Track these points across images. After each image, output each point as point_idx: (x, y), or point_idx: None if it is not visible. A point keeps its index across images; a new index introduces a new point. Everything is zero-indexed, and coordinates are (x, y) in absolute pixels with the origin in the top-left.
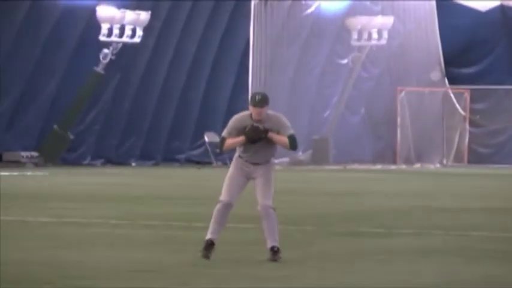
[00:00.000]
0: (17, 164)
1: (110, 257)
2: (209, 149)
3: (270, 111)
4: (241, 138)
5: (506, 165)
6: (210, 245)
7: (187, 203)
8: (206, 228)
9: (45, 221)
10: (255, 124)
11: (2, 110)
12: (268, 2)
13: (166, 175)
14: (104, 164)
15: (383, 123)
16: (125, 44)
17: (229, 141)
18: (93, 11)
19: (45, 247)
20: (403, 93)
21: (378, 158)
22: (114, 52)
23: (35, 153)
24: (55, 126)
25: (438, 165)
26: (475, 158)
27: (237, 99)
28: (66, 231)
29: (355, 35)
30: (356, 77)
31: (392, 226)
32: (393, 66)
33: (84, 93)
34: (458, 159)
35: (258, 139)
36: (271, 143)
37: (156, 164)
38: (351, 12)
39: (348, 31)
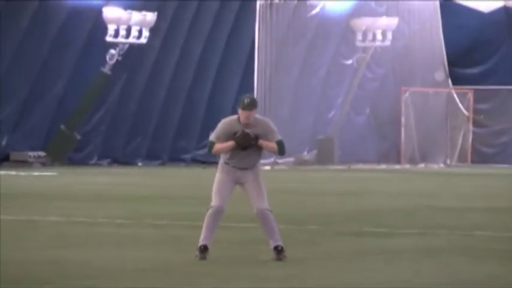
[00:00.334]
0: (24, 163)
1: (115, 257)
2: None
3: (257, 116)
4: (231, 144)
5: (510, 165)
6: (204, 250)
7: (193, 203)
8: None
9: (52, 220)
10: (246, 130)
11: (9, 110)
12: (274, 3)
13: (172, 175)
14: (110, 164)
15: (387, 124)
16: (131, 45)
17: (218, 146)
18: (100, 12)
19: (51, 246)
20: (407, 94)
21: (383, 158)
22: (121, 53)
23: (42, 153)
24: (62, 127)
25: (442, 165)
26: (479, 157)
27: None
28: (72, 231)
29: (359, 36)
30: (361, 78)
31: (397, 226)
32: (397, 67)
33: (91, 94)
34: (462, 159)
35: (248, 146)
36: (258, 148)
37: (162, 164)
38: (355, 13)
39: (352, 32)
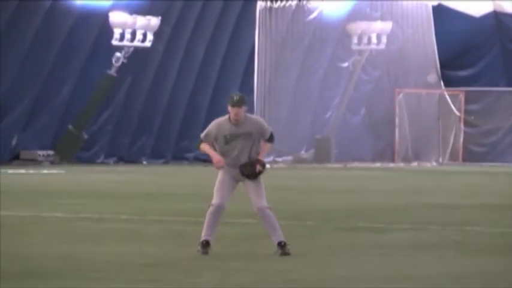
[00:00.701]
0: (33, 162)
1: (121, 251)
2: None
3: (248, 114)
4: (212, 154)
5: (500, 163)
6: (206, 245)
7: (195, 199)
8: None
9: (60, 217)
10: (246, 168)
11: (19, 110)
12: (273, 8)
13: (175, 173)
14: (116, 163)
15: (382, 124)
16: (136, 48)
17: (204, 148)
18: (106, 17)
19: (60, 241)
20: (401, 95)
21: (377, 157)
22: (126, 56)
23: (51, 152)
24: (70, 126)
25: (434, 163)
26: (470, 156)
27: None
28: (80, 226)
29: (355, 40)
30: (356, 80)
31: (391, 222)
32: (392, 69)
33: (98, 95)
34: (453, 157)
35: (254, 173)
36: (250, 146)
37: (166, 162)
38: (351, 17)
39: (348, 36)
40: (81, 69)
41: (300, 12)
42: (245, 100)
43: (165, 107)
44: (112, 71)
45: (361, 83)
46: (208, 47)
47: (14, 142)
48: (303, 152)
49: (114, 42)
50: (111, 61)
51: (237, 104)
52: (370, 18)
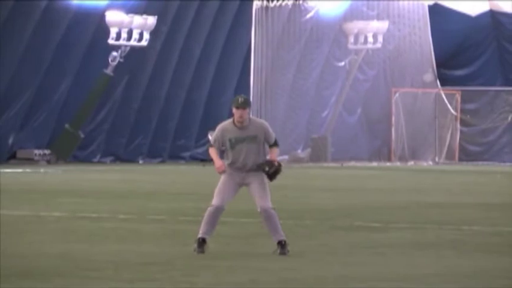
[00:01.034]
0: (30, 161)
1: (119, 250)
2: None
3: (253, 117)
4: (215, 159)
5: (496, 163)
6: (202, 243)
7: (192, 199)
8: None
9: (57, 216)
10: (270, 171)
11: (16, 109)
12: (269, 7)
13: (172, 172)
14: (113, 162)
15: (378, 123)
16: (132, 47)
17: (211, 153)
18: (103, 16)
19: (57, 241)
20: (397, 94)
21: (374, 156)
22: (123, 55)
23: (47, 151)
24: (66, 125)
25: (431, 162)
26: (466, 155)
27: None
28: (77, 226)
29: (351, 39)
30: (353, 79)
31: (388, 221)
32: (388, 69)
33: (94, 94)
34: (449, 156)
35: (275, 169)
36: (258, 149)
37: (163, 162)
38: (348, 17)
39: (345, 35)
40: (77, 69)
41: (297, 11)
42: (250, 102)
43: (162, 106)
44: (109, 70)
45: (357, 82)
46: (205, 46)
47: (10, 141)
48: (299, 151)
49: (111, 41)
50: (107, 60)
51: (242, 105)
52: (367, 17)
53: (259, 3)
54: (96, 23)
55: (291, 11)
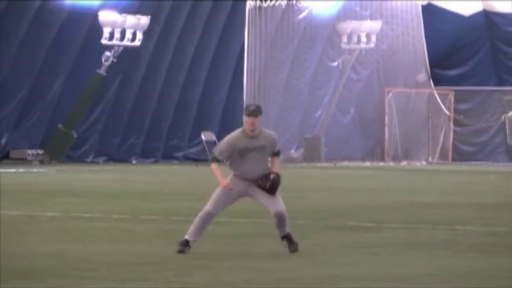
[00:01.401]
0: (23, 161)
1: (112, 250)
2: (206, 147)
3: (264, 128)
4: (219, 178)
5: (489, 163)
6: (185, 244)
7: (186, 199)
8: None
9: (50, 216)
10: (268, 185)
11: (9, 109)
12: (262, 7)
13: (165, 172)
14: (106, 162)
15: (372, 123)
16: (125, 47)
17: (215, 171)
18: (96, 16)
19: (50, 240)
20: (390, 94)
21: (367, 156)
22: (116, 55)
23: (40, 151)
24: (59, 125)
25: (424, 162)
26: (459, 155)
27: (232, 100)
28: (70, 226)
29: (345, 39)
30: (346, 79)
31: (381, 220)
32: (381, 69)
33: (87, 94)
34: (443, 156)
35: (271, 183)
36: (263, 159)
37: (156, 162)
38: (341, 17)
39: (338, 35)
40: (70, 69)
41: (290, 11)
42: (261, 110)
43: (155, 106)
44: (102, 70)
45: (350, 82)
46: (198, 46)
47: (3, 141)
48: (292, 151)
49: (104, 41)
50: (100, 60)
51: (253, 113)
52: (360, 17)
53: (253, 3)
54: (89, 22)
55: (284, 11)
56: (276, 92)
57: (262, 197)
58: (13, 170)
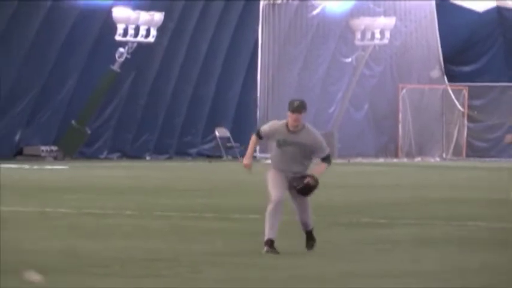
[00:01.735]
0: (37, 157)
1: (125, 247)
2: (220, 143)
3: (308, 125)
4: (248, 153)
5: (503, 159)
6: (271, 243)
7: (199, 195)
8: (218, 218)
9: (64, 212)
10: (299, 186)
11: (23, 106)
12: (276, 4)
13: (179, 168)
14: (119, 158)
15: (385, 119)
16: (139, 44)
17: (251, 142)
18: (109, 12)
19: (63, 237)
20: (404, 91)
21: (381, 152)
22: (130, 51)
23: (54, 148)
24: (73, 122)
25: (438, 158)
26: (473, 151)
27: (246, 96)
28: (84, 222)
29: (358, 35)
30: (359, 75)
31: (395, 217)
32: (395, 65)
33: (101, 91)
34: (457, 153)
35: (304, 186)
36: (301, 157)
37: (169, 158)
38: (354, 13)
39: (351, 31)
40: (84, 65)
41: (303, 7)
42: (306, 106)
43: (168, 102)
44: (115, 67)
45: (364, 78)
46: (212, 43)
47: (17, 138)
48: None
49: (118, 37)
50: (114, 56)
51: (297, 109)
52: (373, 13)
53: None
54: (102, 19)
55: (297, 7)
56: (289, 88)
57: (294, 197)
58: (27, 167)
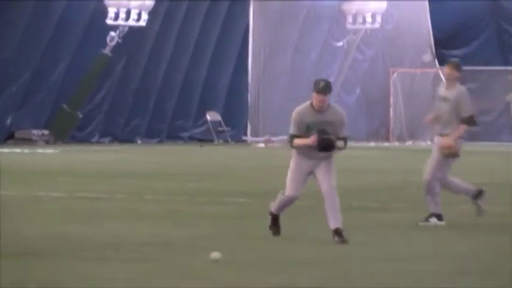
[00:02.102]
0: (28, 141)
1: (117, 230)
2: (211, 127)
3: (334, 104)
4: (309, 141)
5: (494, 143)
6: (276, 218)
7: (190, 179)
8: (209, 202)
9: (56, 196)
10: (325, 137)
11: (14, 89)
12: None
13: (170, 152)
14: (111, 142)
15: (377, 103)
16: (131, 28)
17: (298, 142)
18: None
19: (55, 221)
20: (395, 75)
21: (372, 136)
22: (121, 35)
23: (45, 132)
24: (64, 106)
25: (429, 142)
26: (464, 135)
27: (237, 81)
28: (76, 206)
29: (350, 19)
30: (351, 59)
31: (387, 200)
32: (386, 49)
33: (92, 74)
34: None
35: (328, 148)
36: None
37: (161, 142)
38: None
39: (343, 15)
40: (75, 49)
41: None
42: (331, 87)
43: (160, 86)
44: (107, 51)
45: (356, 62)
46: (203, 27)
47: (8, 121)
48: None
49: (109, 21)
50: (105, 40)
51: (323, 90)
52: None
53: None
54: (94, 2)
55: None
56: (281, 72)
57: (319, 172)
58: (18, 150)
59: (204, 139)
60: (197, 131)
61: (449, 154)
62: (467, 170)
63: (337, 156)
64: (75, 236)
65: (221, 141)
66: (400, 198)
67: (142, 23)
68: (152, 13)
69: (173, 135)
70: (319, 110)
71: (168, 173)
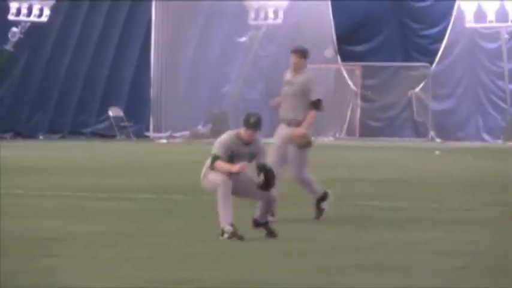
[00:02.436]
0: None
1: (18, 226)
2: (113, 122)
3: (258, 137)
4: (235, 168)
5: (396, 138)
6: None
7: (93, 174)
8: (111, 198)
9: None
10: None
11: None
12: None
13: (72, 148)
14: (13, 137)
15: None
16: (33, 23)
17: (221, 165)
18: None
19: None
20: None
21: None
22: (23, 31)
23: None
24: None
25: (332, 138)
26: (367, 131)
27: (140, 76)
28: None
29: (252, 15)
30: (254, 55)
31: (288, 196)
32: (289, 44)
33: None
34: (350, 132)
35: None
36: (249, 166)
37: (63, 137)
38: None
39: (245, 11)
40: None
41: None
42: (261, 124)
43: (62, 82)
44: (8, 46)
45: (258, 58)
46: (106, 22)
47: None
48: (200, 126)
49: (11, 17)
50: (7, 36)
51: (254, 127)
52: None
53: None
54: None
55: None
56: (184, 67)
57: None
58: None
59: (106, 134)
60: (100, 126)
61: (303, 143)
62: (372, 165)
63: None
64: None
65: (123, 136)
66: (302, 194)
67: (44, 18)
68: (54, 9)
69: (75, 131)
70: (247, 143)
71: (69, 168)
